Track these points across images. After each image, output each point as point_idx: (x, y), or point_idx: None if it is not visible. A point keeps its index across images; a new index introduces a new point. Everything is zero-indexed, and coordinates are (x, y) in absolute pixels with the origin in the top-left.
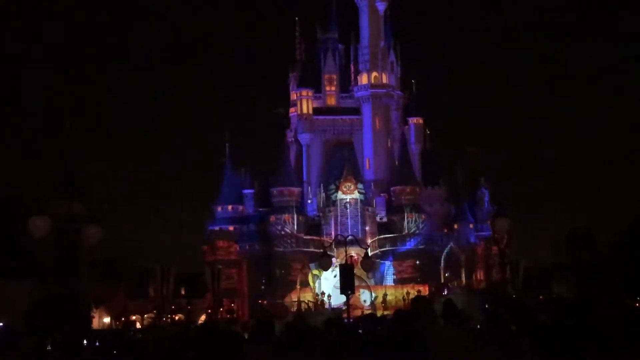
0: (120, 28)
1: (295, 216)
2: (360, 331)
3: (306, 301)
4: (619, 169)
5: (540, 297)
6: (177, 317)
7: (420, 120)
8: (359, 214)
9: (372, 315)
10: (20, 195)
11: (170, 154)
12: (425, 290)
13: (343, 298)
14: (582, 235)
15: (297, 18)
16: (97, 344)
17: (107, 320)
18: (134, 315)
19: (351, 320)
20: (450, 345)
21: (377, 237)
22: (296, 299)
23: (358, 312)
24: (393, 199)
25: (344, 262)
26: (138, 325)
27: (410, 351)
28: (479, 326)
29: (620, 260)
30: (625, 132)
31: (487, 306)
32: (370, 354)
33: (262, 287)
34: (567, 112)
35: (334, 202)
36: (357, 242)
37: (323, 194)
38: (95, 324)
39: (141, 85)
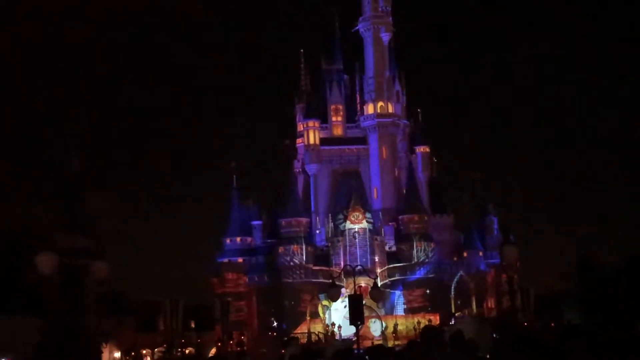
0: (127, 63)
1: (303, 247)
2: None
3: (316, 332)
4: (629, 194)
5: (552, 324)
6: (187, 351)
7: (427, 149)
8: (368, 243)
9: (380, 346)
10: (25, 232)
11: (178, 186)
12: (436, 319)
13: (353, 329)
14: (591, 260)
15: (301, 50)
16: None
17: (117, 355)
18: (144, 349)
19: (361, 351)
20: None
21: (387, 266)
22: (306, 331)
23: (368, 343)
24: (401, 227)
25: (353, 292)
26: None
27: None
28: (488, 356)
29: (629, 285)
30: (632, 157)
31: (495, 335)
32: None
33: (272, 318)
34: (574, 138)
35: (343, 232)
36: (366, 271)
37: (331, 224)
38: (106, 358)
39: (148, 118)
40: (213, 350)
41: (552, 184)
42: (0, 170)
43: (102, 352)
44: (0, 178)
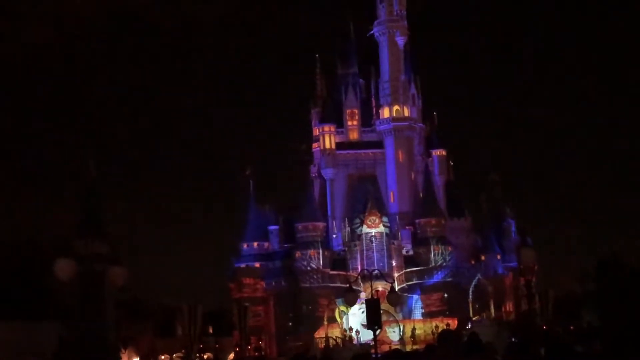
0: (145, 69)
1: (320, 251)
2: None
3: (334, 337)
4: None
5: (571, 326)
6: (205, 356)
7: (443, 152)
8: (385, 247)
9: (398, 351)
10: (44, 238)
11: (195, 191)
12: (454, 323)
13: (371, 333)
14: (611, 262)
15: (317, 55)
16: None
17: None
18: (163, 354)
19: (379, 355)
20: None
21: (404, 270)
22: (324, 335)
23: (386, 347)
24: (418, 231)
25: (370, 296)
26: None
27: None
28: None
29: None
30: None
31: (513, 339)
32: None
33: (290, 323)
34: (592, 138)
35: (359, 236)
36: (383, 276)
37: (348, 228)
38: None
39: (164, 124)
40: (231, 356)
41: (571, 186)
42: (20, 178)
43: (120, 358)
44: (20, 186)
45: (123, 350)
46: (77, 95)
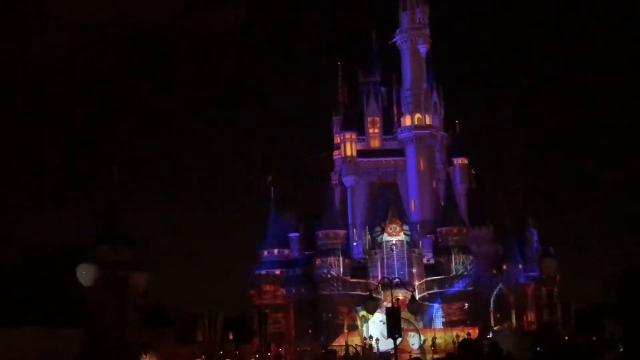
0: (165, 77)
1: (341, 259)
2: None
3: (354, 345)
4: None
5: (594, 337)
6: None
7: (465, 161)
8: (405, 255)
9: (418, 359)
10: (67, 244)
11: (216, 198)
12: (475, 332)
13: (391, 342)
14: (633, 272)
15: (339, 62)
16: None
17: None
18: None
19: None
20: None
21: (425, 279)
22: (344, 343)
23: (406, 356)
24: (439, 240)
25: (390, 305)
26: None
27: None
28: None
29: None
30: None
31: (538, 349)
32: None
33: (310, 331)
34: (616, 149)
35: (380, 244)
36: (404, 284)
37: (368, 236)
38: None
39: (186, 131)
40: None
41: (595, 195)
42: (44, 186)
43: None
44: (44, 193)
45: (144, 356)
46: (99, 104)
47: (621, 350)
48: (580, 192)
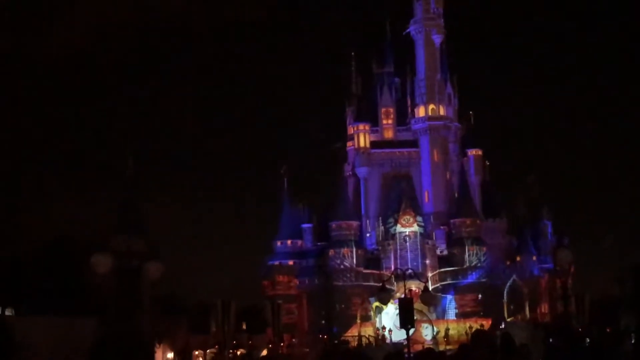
0: (180, 67)
1: (354, 250)
2: None
3: (367, 335)
4: None
5: (608, 329)
6: (239, 352)
7: (480, 152)
8: (419, 247)
9: (431, 350)
10: (83, 234)
11: (229, 189)
12: (488, 324)
13: (404, 333)
14: None
15: (352, 53)
16: None
17: (170, 355)
18: (196, 350)
19: (412, 355)
20: None
21: (438, 270)
22: (357, 334)
23: (419, 347)
24: (453, 231)
25: (403, 296)
26: None
27: None
28: None
29: None
30: None
31: (551, 340)
32: None
33: (323, 321)
34: (633, 138)
35: (393, 236)
36: (417, 275)
37: (382, 228)
38: (159, 358)
39: (200, 122)
40: (264, 352)
41: (611, 187)
42: (60, 176)
43: (155, 352)
44: (60, 183)
45: (158, 345)
46: (118, 96)
47: (633, 342)
48: (597, 184)
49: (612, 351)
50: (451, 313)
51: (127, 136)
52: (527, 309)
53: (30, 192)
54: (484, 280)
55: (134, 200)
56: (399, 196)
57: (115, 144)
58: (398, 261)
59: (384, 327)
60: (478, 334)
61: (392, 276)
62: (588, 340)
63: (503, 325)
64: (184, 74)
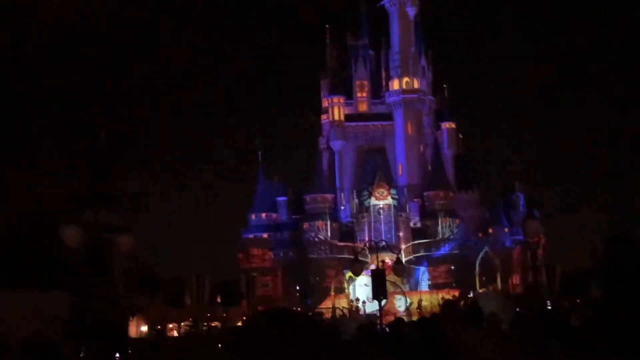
0: (154, 41)
1: (328, 223)
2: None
3: (341, 307)
4: None
5: (577, 300)
6: (213, 324)
7: (453, 125)
8: (393, 219)
9: (400, 319)
10: (55, 207)
11: (203, 163)
12: None
13: (377, 304)
14: (621, 238)
15: (327, 25)
16: (130, 351)
17: (144, 328)
18: (171, 323)
19: (384, 325)
20: (472, 346)
21: (411, 242)
22: (331, 306)
23: (392, 318)
24: (426, 204)
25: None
26: (175, 333)
27: (432, 352)
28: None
29: None
30: None
31: (518, 309)
32: (393, 354)
33: (297, 294)
34: (606, 113)
35: (367, 208)
36: (390, 247)
37: (356, 200)
38: (133, 332)
39: (174, 95)
40: (239, 324)
41: (586, 162)
42: (30, 148)
43: (128, 325)
44: (30, 155)
45: (132, 318)
46: (88, 68)
47: (596, 311)
48: (572, 157)
49: (578, 319)
50: (424, 284)
51: (100, 108)
52: (499, 280)
53: (1, 165)
54: (456, 252)
55: (105, 173)
56: (373, 169)
57: (88, 116)
58: (372, 233)
59: (357, 299)
60: (447, 304)
61: (366, 248)
62: (552, 308)
63: (471, 294)
64: (159, 43)
